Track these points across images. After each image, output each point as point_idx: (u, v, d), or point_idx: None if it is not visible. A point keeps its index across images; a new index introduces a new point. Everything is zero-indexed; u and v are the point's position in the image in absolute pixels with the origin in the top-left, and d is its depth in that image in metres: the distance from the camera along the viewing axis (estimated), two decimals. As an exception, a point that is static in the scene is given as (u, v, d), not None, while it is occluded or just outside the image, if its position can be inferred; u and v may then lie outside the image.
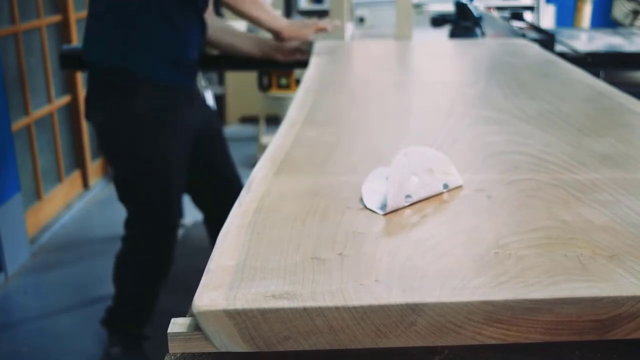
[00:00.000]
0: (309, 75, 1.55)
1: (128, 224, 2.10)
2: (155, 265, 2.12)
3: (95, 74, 2.01)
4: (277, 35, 2.11)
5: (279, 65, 2.27)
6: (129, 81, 1.95)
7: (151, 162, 2.00)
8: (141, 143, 1.98)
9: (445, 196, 0.80)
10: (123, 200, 2.07)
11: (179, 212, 2.16)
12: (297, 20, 2.29)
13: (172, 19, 1.93)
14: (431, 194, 0.79)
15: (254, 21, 2.07)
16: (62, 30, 3.66)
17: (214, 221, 2.27)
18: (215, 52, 2.28)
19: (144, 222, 2.08)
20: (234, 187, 2.24)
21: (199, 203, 2.33)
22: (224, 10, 2.72)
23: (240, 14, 2.07)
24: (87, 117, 2.08)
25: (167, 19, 1.93)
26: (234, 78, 5.15)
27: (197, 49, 2.06)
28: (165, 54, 1.96)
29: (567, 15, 4.39)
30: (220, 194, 2.26)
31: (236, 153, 2.60)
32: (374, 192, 0.78)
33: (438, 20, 2.53)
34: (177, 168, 2.04)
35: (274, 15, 2.07)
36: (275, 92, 3.83)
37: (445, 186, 0.81)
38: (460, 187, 0.82)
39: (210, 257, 0.64)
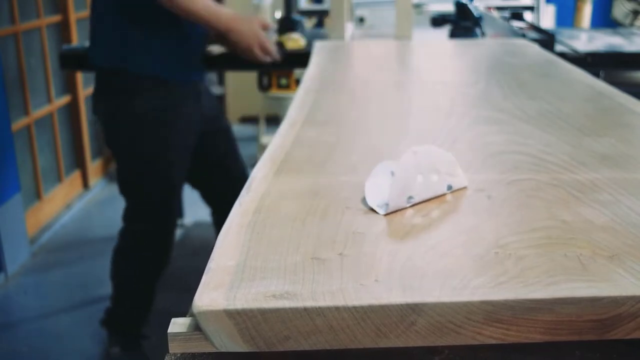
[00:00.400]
0: (309, 75, 1.54)
1: (127, 218, 2.10)
2: (154, 262, 2.12)
3: (98, 74, 2.02)
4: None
5: (280, 65, 2.25)
6: (129, 82, 1.95)
7: (151, 162, 2.00)
8: (141, 143, 1.99)
9: (445, 196, 0.80)
10: (124, 195, 2.08)
11: (177, 211, 2.16)
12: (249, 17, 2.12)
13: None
14: (434, 195, 0.79)
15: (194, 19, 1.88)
16: (62, 30, 3.66)
17: (223, 215, 2.26)
18: (215, 52, 2.25)
19: (144, 221, 2.09)
20: (243, 183, 2.24)
21: (208, 198, 2.32)
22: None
23: (179, 12, 1.86)
24: (94, 113, 2.09)
25: (169, 12, 1.90)
26: (234, 78, 5.14)
27: (203, 42, 2.05)
28: (167, 49, 1.95)
29: (567, 15, 4.39)
30: (230, 188, 2.25)
31: (236, 153, 2.59)
32: (377, 187, 0.78)
33: (438, 20, 2.53)
34: (178, 168, 2.05)
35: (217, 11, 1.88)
36: (275, 92, 3.82)
37: (449, 187, 0.80)
38: (464, 188, 0.82)
39: (211, 256, 0.64)
